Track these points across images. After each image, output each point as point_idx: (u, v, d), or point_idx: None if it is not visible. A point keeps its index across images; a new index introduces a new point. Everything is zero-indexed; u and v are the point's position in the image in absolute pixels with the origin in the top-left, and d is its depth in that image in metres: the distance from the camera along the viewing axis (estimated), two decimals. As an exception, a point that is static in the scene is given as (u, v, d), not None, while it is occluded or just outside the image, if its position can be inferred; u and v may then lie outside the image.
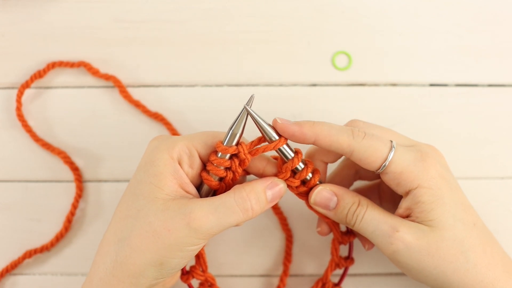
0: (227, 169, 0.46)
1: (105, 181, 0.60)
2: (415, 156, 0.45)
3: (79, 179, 0.59)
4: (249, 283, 0.59)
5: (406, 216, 0.46)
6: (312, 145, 0.46)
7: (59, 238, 0.58)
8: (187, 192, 0.44)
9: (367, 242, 0.51)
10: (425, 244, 0.43)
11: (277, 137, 0.45)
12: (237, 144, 0.45)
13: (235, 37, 0.61)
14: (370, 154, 0.44)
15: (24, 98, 0.60)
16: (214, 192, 0.48)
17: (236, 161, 0.45)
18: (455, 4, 0.60)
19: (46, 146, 0.59)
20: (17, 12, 0.61)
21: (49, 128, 0.60)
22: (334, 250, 0.53)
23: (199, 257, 0.51)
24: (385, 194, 0.53)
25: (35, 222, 0.59)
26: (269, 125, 0.45)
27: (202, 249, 0.51)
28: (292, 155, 0.46)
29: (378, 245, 0.45)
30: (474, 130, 0.59)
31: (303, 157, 0.47)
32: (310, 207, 0.49)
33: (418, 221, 0.44)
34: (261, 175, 0.48)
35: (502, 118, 0.59)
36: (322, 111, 0.60)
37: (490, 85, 0.60)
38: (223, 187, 0.47)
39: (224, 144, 0.44)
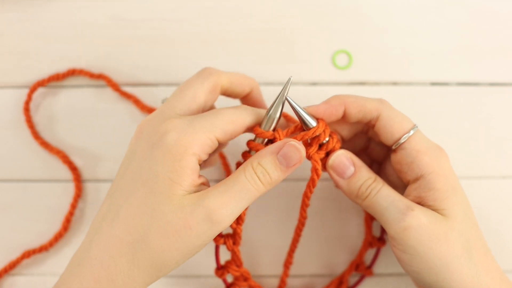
0: None
1: (104, 181, 0.59)
2: (432, 143, 0.45)
3: (78, 179, 0.59)
4: (249, 283, 0.58)
5: None
6: None
7: (58, 238, 0.58)
8: (201, 183, 0.42)
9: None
10: (437, 230, 0.42)
11: (314, 123, 0.44)
12: (274, 130, 0.44)
13: (235, 37, 0.60)
14: (395, 122, 0.45)
15: (23, 97, 0.60)
16: None
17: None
18: (456, 3, 0.60)
19: (45, 145, 0.59)
20: (16, 11, 0.61)
21: (48, 128, 0.60)
22: (367, 227, 0.52)
23: (234, 253, 0.50)
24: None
25: (33, 222, 0.59)
26: (306, 112, 0.44)
27: (237, 247, 0.49)
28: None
29: (388, 222, 0.43)
30: (476, 129, 0.59)
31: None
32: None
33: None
34: None
35: (503, 117, 0.59)
36: (322, 110, 0.60)
37: (491, 84, 0.60)
38: None
39: (262, 127, 0.44)
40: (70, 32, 0.61)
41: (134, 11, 0.61)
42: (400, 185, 0.49)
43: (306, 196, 0.47)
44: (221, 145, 0.46)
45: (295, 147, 0.42)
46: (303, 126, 0.45)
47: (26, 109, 0.59)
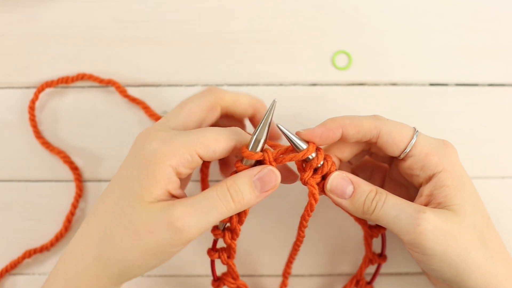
0: None
1: (105, 180, 0.60)
2: (437, 142, 0.45)
3: (79, 178, 0.59)
4: (250, 283, 0.59)
5: (425, 205, 0.45)
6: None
7: (59, 238, 0.58)
8: (174, 196, 0.43)
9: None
10: (451, 227, 0.42)
11: (304, 146, 0.44)
12: (262, 150, 0.44)
13: (235, 37, 0.61)
14: (396, 134, 0.44)
15: (24, 98, 0.60)
16: None
17: None
18: (455, 4, 0.60)
19: (46, 145, 0.59)
20: (16, 12, 0.61)
21: (50, 127, 0.60)
22: (367, 245, 0.52)
23: (230, 266, 0.50)
24: (393, 186, 0.53)
25: (34, 221, 0.59)
26: (297, 136, 0.44)
27: (231, 260, 0.50)
28: (314, 154, 0.45)
29: (402, 230, 0.43)
30: (474, 129, 0.59)
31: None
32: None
33: (440, 207, 0.44)
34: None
35: (502, 117, 0.59)
36: (322, 111, 0.60)
37: (490, 85, 0.60)
38: None
39: (249, 149, 0.43)
40: (71, 33, 0.61)
41: (134, 12, 0.61)
42: (411, 191, 0.50)
43: (304, 219, 0.47)
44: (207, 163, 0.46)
45: (273, 172, 0.43)
46: (295, 150, 0.45)
47: (31, 108, 0.59)
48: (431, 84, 0.60)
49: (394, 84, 0.60)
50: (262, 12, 0.61)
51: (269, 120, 0.43)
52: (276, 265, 0.58)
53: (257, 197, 0.43)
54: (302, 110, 0.60)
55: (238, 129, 0.45)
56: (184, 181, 0.46)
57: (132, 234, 0.41)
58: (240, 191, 0.42)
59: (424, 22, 0.61)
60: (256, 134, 0.43)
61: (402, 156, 0.45)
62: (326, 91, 0.60)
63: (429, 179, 0.45)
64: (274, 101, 0.43)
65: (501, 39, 0.60)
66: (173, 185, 0.42)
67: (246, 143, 0.44)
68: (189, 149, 0.42)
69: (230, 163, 0.55)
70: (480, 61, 0.60)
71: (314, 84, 0.60)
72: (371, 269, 0.55)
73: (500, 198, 0.59)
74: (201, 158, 0.43)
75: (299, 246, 0.51)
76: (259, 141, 0.43)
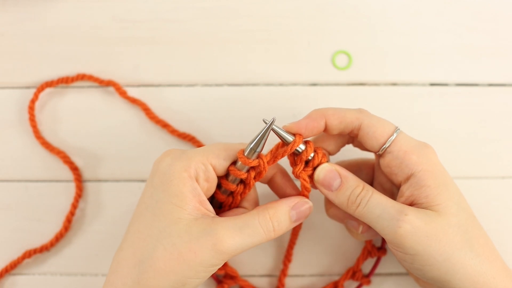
0: (240, 182, 0.46)
1: (105, 181, 0.60)
2: (417, 142, 0.46)
3: (79, 179, 0.59)
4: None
5: (409, 205, 0.45)
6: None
7: (59, 238, 0.58)
8: (206, 209, 0.44)
9: (361, 224, 0.50)
10: (433, 229, 0.42)
11: (291, 139, 0.45)
12: (257, 157, 0.45)
13: (235, 37, 0.61)
14: (377, 127, 0.45)
15: (24, 98, 0.60)
16: (220, 204, 0.49)
17: (252, 173, 0.46)
18: (456, 3, 0.60)
19: (46, 145, 0.59)
20: (16, 11, 0.61)
21: (50, 127, 0.60)
22: None
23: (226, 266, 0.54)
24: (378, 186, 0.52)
25: (34, 222, 0.59)
26: (285, 131, 0.45)
27: (239, 280, 0.55)
28: (303, 147, 0.46)
29: (384, 229, 0.43)
30: (475, 129, 0.59)
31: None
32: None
33: (423, 207, 0.44)
34: (273, 184, 0.49)
35: (502, 117, 0.59)
36: (322, 110, 0.60)
37: (490, 85, 0.60)
38: (229, 200, 0.48)
39: (245, 154, 0.44)
40: (71, 33, 0.61)
41: (134, 12, 0.61)
42: (395, 191, 0.50)
43: None
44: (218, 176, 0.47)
45: (310, 206, 0.46)
46: (285, 144, 0.46)
47: (31, 108, 0.59)
48: (431, 84, 0.60)
49: (394, 84, 0.60)
50: (262, 12, 0.61)
51: (266, 135, 0.44)
52: (276, 266, 0.58)
53: (292, 226, 0.46)
54: (302, 110, 0.60)
55: (242, 143, 0.47)
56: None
57: (173, 255, 0.41)
58: (281, 221, 0.44)
59: (425, 22, 0.60)
60: (252, 144, 0.44)
61: (381, 151, 0.46)
62: (326, 91, 0.60)
63: (407, 178, 0.45)
64: (273, 119, 0.44)
65: (501, 39, 0.60)
66: (199, 197, 0.43)
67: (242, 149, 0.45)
68: (201, 158, 0.44)
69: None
70: (480, 61, 0.60)
71: (314, 84, 0.60)
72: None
73: (500, 198, 0.59)
74: (214, 168, 0.45)
75: (298, 230, 0.54)
76: (254, 151, 0.44)
